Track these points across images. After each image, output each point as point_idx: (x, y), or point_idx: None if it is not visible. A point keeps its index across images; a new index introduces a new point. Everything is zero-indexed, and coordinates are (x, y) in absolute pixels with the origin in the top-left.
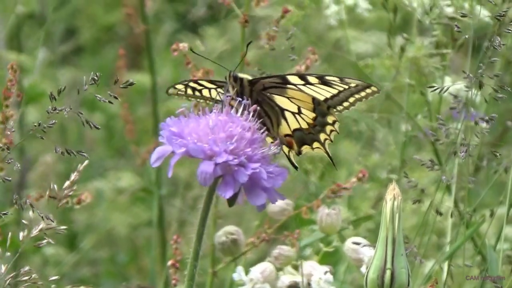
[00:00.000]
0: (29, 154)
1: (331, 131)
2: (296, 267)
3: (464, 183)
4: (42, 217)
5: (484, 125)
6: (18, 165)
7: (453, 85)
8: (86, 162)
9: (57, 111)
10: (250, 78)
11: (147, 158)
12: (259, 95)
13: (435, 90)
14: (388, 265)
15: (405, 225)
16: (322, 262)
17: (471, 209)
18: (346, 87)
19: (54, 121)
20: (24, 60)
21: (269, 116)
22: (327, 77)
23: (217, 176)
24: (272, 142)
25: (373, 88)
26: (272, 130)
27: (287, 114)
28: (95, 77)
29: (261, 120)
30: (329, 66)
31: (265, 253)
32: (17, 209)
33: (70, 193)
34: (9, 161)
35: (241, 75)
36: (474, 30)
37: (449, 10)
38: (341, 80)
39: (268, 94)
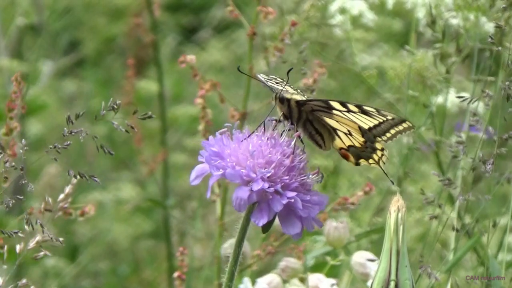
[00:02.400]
0: (26, 165)
1: (382, 155)
2: (302, 280)
3: (466, 194)
4: (43, 229)
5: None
6: (25, 180)
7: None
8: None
9: (73, 134)
10: (298, 99)
11: (155, 168)
12: (309, 115)
13: (463, 100)
14: (392, 276)
15: (408, 235)
16: (327, 274)
17: (474, 220)
18: (385, 119)
19: (69, 142)
20: (25, 71)
21: (320, 134)
22: (365, 107)
23: (253, 203)
24: (311, 171)
25: (408, 123)
26: (324, 146)
27: (339, 133)
28: (115, 106)
29: (312, 137)
30: (332, 78)
31: (270, 265)
32: (20, 221)
33: (66, 206)
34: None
35: (288, 95)
36: (479, 41)
37: (454, 22)
38: (378, 111)
39: (318, 115)
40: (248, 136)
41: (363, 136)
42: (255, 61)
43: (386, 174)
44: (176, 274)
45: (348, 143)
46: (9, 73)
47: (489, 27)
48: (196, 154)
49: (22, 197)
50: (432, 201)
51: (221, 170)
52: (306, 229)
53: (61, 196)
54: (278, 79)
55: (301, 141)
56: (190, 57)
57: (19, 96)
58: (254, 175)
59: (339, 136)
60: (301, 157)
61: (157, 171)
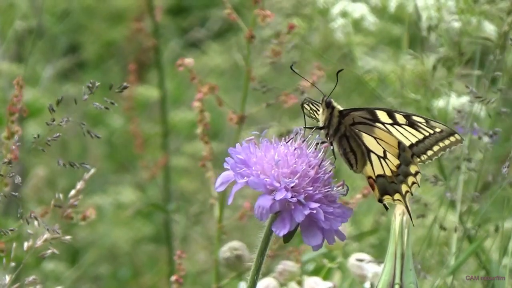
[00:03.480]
0: (22, 166)
1: (413, 183)
2: (300, 283)
3: (468, 199)
4: (47, 229)
5: (487, 139)
6: (20, 179)
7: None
8: (92, 171)
9: (58, 123)
10: (341, 108)
11: (156, 172)
12: (347, 130)
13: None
14: (397, 280)
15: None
16: (324, 278)
17: (475, 224)
18: (432, 132)
19: (58, 134)
20: (23, 74)
21: (354, 153)
22: (414, 117)
23: (275, 212)
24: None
25: (457, 137)
26: (355, 167)
27: (372, 156)
28: (89, 85)
29: (345, 154)
30: (333, 81)
31: (269, 269)
32: (20, 223)
33: (75, 203)
34: (11, 174)
35: (334, 103)
36: (481, 45)
37: (456, 25)
38: (427, 122)
39: (356, 130)
40: (276, 145)
41: (399, 158)
42: (254, 64)
43: (409, 210)
44: (173, 278)
45: (378, 171)
46: (8, 77)
47: (491, 30)
48: (195, 158)
49: (17, 194)
50: (425, 205)
51: (245, 178)
52: (327, 243)
53: (72, 192)
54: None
55: (333, 154)
56: (188, 61)
57: (20, 100)
58: (277, 185)
59: (371, 161)
60: (326, 168)
61: (158, 175)
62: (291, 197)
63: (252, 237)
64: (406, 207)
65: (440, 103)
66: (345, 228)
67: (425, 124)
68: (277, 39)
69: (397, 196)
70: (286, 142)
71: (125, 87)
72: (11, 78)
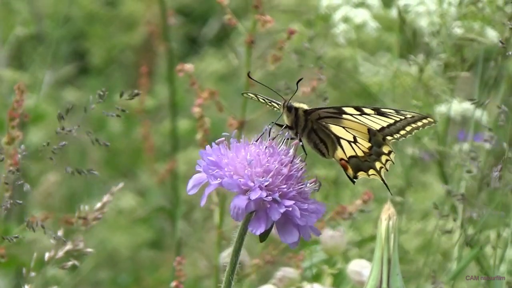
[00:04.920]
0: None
1: (387, 160)
2: None
3: (470, 205)
4: (62, 239)
5: (487, 145)
6: (28, 187)
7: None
8: (120, 185)
9: (66, 131)
10: (306, 108)
11: (166, 176)
12: (314, 124)
13: (474, 103)
14: (384, 284)
15: (409, 246)
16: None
17: (477, 231)
18: (403, 117)
19: (64, 142)
20: (25, 80)
21: (325, 143)
22: (383, 109)
23: (251, 211)
24: (310, 179)
25: (430, 119)
26: (327, 155)
27: (342, 142)
28: (101, 93)
29: (316, 146)
30: (334, 88)
31: (269, 274)
32: (23, 228)
33: (100, 216)
34: (19, 182)
35: (296, 104)
36: (484, 51)
37: (459, 31)
38: (397, 112)
39: (324, 123)
40: (246, 145)
41: (370, 141)
42: (254, 69)
43: (385, 184)
44: (173, 284)
45: (350, 153)
46: (8, 83)
47: (493, 36)
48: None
49: (21, 202)
50: (446, 215)
51: (218, 179)
52: (303, 239)
53: (99, 204)
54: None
55: (303, 149)
56: (188, 66)
57: (21, 105)
58: (252, 184)
59: (341, 146)
60: (299, 165)
61: (165, 180)
62: (266, 196)
63: (252, 242)
64: (382, 180)
65: (441, 108)
66: (344, 234)
67: (395, 113)
68: (277, 45)
69: (371, 171)
70: (256, 141)
71: (137, 94)
72: (12, 84)
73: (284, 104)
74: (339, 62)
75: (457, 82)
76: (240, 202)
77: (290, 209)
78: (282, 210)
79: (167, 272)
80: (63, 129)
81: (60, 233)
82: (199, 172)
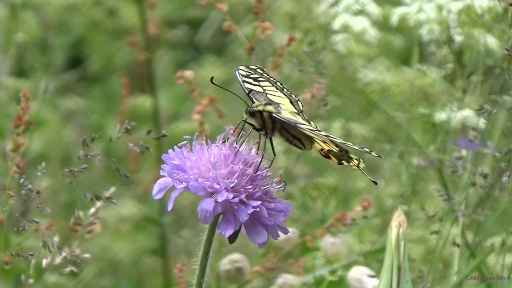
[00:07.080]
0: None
1: (359, 162)
2: None
3: (472, 213)
4: (58, 246)
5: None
6: (38, 193)
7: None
8: (112, 189)
9: (89, 157)
10: (273, 110)
11: (150, 187)
12: (283, 123)
13: (483, 112)
14: None
15: (411, 253)
16: None
17: (479, 239)
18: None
19: (85, 165)
20: (25, 87)
21: (298, 138)
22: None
23: (218, 213)
24: (274, 179)
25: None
26: (304, 148)
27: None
28: (128, 127)
29: (291, 142)
30: (333, 93)
31: (270, 281)
32: (24, 236)
33: (95, 221)
34: (25, 189)
35: (260, 107)
36: (484, 57)
37: (458, 38)
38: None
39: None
40: (209, 147)
41: (337, 147)
42: None
43: (366, 175)
44: None
45: (326, 148)
46: (10, 90)
47: (492, 43)
48: None
49: (38, 221)
50: (433, 215)
51: (184, 183)
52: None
53: (92, 210)
54: (258, 69)
55: (272, 149)
56: (188, 73)
57: (27, 112)
58: (218, 186)
59: (317, 142)
60: (262, 165)
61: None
62: (233, 198)
63: (252, 249)
64: (362, 172)
65: (442, 116)
66: (344, 240)
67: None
68: (277, 51)
69: (353, 162)
70: (217, 143)
71: (163, 136)
72: (13, 92)
73: (246, 110)
74: (339, 68)
75: (459, 89)
76: (207, 205)
77: (258, 209)
78: (250, 211)
79: (164, 279)
80: (86, 156)
81: (56, 239)
82: (163, 176)
